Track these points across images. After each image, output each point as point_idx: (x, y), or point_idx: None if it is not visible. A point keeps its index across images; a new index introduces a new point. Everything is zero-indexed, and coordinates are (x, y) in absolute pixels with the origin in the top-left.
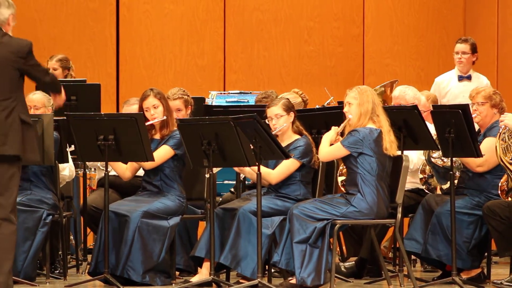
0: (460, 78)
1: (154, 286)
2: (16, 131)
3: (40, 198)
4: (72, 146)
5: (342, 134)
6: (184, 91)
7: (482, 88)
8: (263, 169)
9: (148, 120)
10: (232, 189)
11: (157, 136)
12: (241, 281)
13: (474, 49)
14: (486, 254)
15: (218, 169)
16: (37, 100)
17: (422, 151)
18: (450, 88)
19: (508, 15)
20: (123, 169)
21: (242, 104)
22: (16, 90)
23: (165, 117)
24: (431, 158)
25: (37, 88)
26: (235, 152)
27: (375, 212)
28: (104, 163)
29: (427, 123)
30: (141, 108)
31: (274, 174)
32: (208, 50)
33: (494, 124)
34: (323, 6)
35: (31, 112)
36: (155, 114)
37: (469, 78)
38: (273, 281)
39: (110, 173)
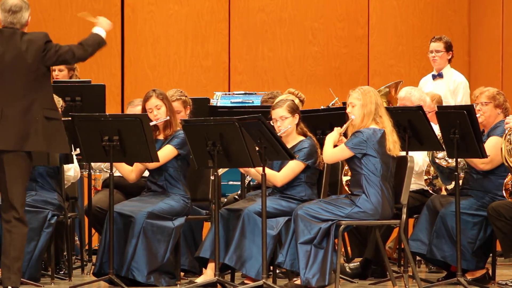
0: (434, 77)
1: (158, 287)
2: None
3: (45, 198)
4: (77, 149)
5: (345, 134)
6: (181, 92)
7: (486, 88)
8: (268, 171)
9: (152, 121)
10: (236, 196)
11: (161, 137)
12: (246, 281)
13: (448, 47)
14: (491, 255)
15: (224, 171)
16: None
17: (426, 152)
18: (426, 88)
19: None
20: (128, 171)
21: (246, 104)
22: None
23: (168, 118)
24: (435, 159)
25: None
26: (240, 153)
27: (379, 212)
28: (108, 165)
29: (432, 123)
30: (144, 109)
31: (279, 176)
32: (212, 51)
33: (497, 124)
34: (328, 7)
35: None
36: (158, 114)
37: (441, 76)
38: (278, 282)
39: (114, 174)
